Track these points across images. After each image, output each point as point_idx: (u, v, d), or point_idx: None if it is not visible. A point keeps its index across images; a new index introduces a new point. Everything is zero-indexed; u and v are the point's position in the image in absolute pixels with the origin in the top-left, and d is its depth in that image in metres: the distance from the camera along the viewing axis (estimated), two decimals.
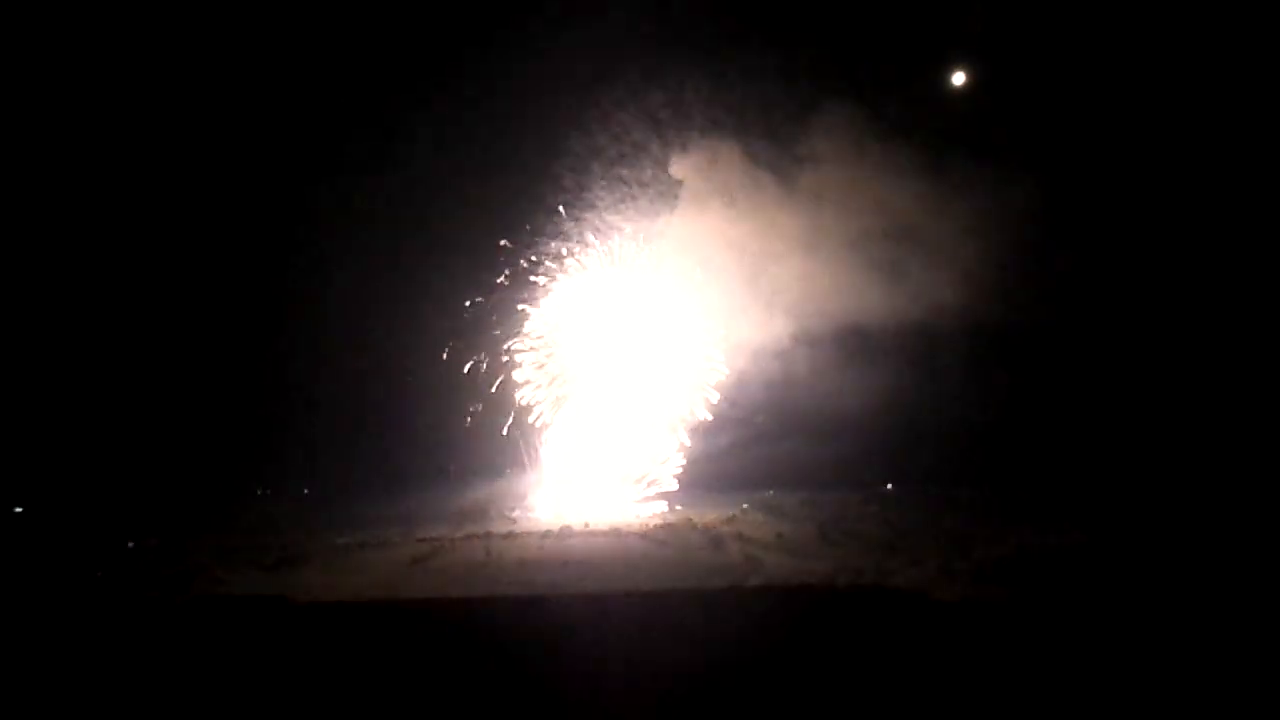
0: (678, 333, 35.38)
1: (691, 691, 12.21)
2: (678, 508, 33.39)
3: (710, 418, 34.54)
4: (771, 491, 34.58)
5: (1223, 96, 31.76)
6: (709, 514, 31.22)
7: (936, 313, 33.20)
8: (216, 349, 37.29)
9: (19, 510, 33.76)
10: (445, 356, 35.02)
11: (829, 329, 34.15)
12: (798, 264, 34.58)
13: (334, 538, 28.56)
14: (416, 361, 36.09)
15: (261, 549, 27.01)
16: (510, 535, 28.92)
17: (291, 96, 36.85)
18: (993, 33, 33.78)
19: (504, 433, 35.01)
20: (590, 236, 35.36)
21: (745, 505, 32.27)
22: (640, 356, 35.45)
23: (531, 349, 35.23)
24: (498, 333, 35.13)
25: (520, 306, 35.32)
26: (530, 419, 35.02)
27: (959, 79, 35.02)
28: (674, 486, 34.63)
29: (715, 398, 34.51)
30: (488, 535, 28.79)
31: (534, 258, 35.35)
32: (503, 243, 35.39)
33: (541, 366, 35.22)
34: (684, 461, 34.80)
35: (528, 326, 35.33)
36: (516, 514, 33.39)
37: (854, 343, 34.27)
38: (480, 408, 34.95)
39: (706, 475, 34.73)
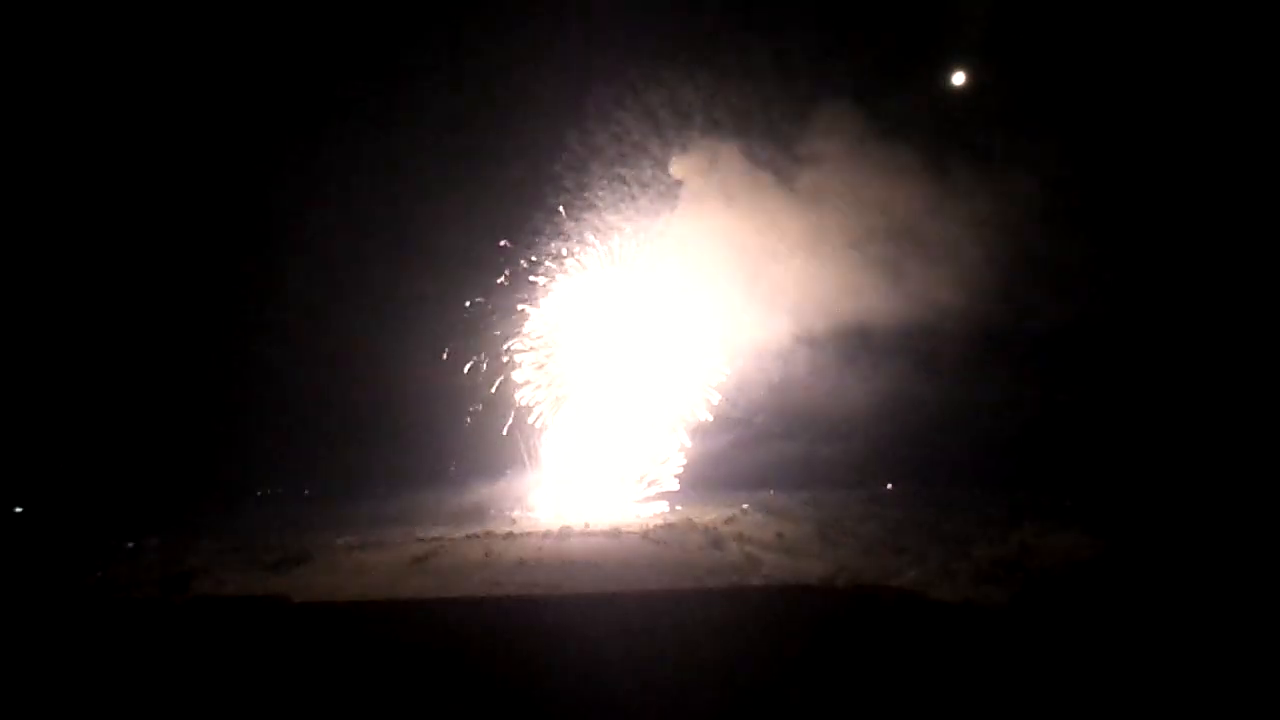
0: (678, 333, 35.39)
1: (691, 691, 12.20)
2: (678, 508, 33.39)
3: (710, 418, 34.60)
4: (771, 491, 34.59)
5: (1224, 96, 31.76)
6: (709, 514, 31.21)
7: (937, 313, 33.24)
8: (216, 349, 37.33)
9: (19, 510, 33.76)
10: (445, 357, 35.09)
11: (829, 329, 34.24)
12: (798, 264, 34.65)
13: (334, 538, 28.54)
14: (416, 362, 36.14)
15: (261, 549, 26.99)
16: (510, 535, 28.90)
17: (292, 97, 36.93)
18: (992, 33, 33.82)
19: (504, 433, 35.09)
20: (590, 236, 35.43)
21: (745, 505, 32.26)
22: (640, 357, 35.47)
23: (531, 349, 35.30)
24: (498, 333, 35.22)
25: (520, 307, 35.40)
26: (530, 419, 35.09)
27: (959, 79, 35.06)
28: (674, 486, 34.66)
29: (715, 398, 34.57)
30: (488, 535, 28.78)
31: (534, 258, 35.44)
32: (503, 243, 35.45)
33: (541, 367, 35.29)
34: (684, 462, 34.84)
35: (528, 327, 35.42)
36: (516, 514, 33.38)
37: (854, 343, 34.37)
38: (480, 408, 35.05)
39: (706, 475, 34.80)
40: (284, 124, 36.86)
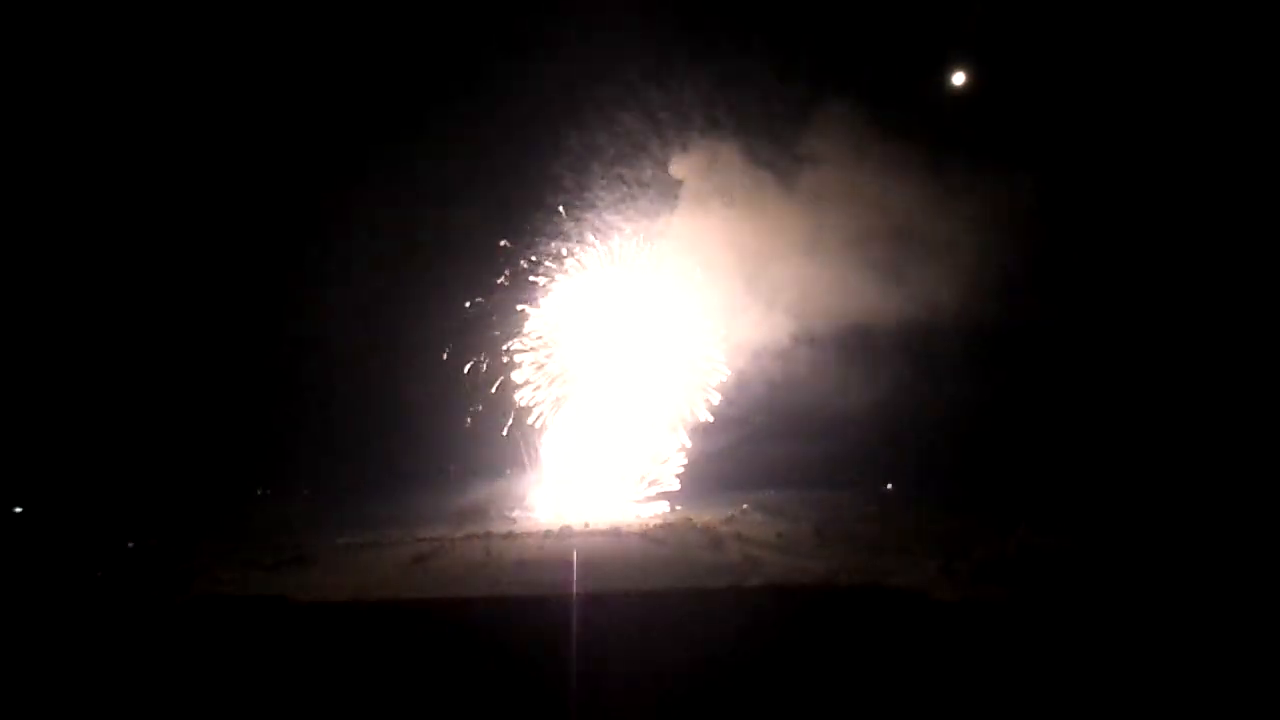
0: (678, 333, 35.38)
1: (691, 691, 12.21)
2: (677, 508, 33.39)
3: (710, 418, 34.57)
4: (771, 491, 34.59)
5: (1222, 96, 31.77)
6: (709, 514, 31.22)
7: (936, 313, 33.20)
8: (217, 349, 37.30)
9: (19, 510, 33.76)
10: (445, 357, 35.04)
11: (829, 329, 34.20)
12: (798, 264, 34.61)
13: (334, 538, 28.56)
14: (417, 362, 36.12)
15: (262, 549, 27.03)
16: (510, 535, 28.92)
17: (294, 99, 36.89)
18: (992, 33, 33.81)
19: (504, 433, 35.05)
20: (590, 236, 35.40)
21: (745, 505, 32.26)
22: (640, 357, 35.46)
23: (531, 349, 35.26)
24: (498, 333, 35.18)
25: (520, 307, 35.35)
26: (530, 419, 35.06)
27: (959, 79, 35.04)
28: (675, 486, 34.64)
29: (715, 398, 34.55)
30: (488, 535, 28.80)
31: (534, 258, 35.40)
32: (503, 243, 35.43)
33: (541, 367, 35.25)
34: (684, 461, 34.82)
35: (528, 327, 35.37)
36: (516, 514, 33.39)
37: (854, 343, 34.30)
38: (480, 408, 34.99)
39: (706, 475, 34.74)
40: (284, 126, 36.85)
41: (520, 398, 34.95)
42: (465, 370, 34.94)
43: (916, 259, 33.81)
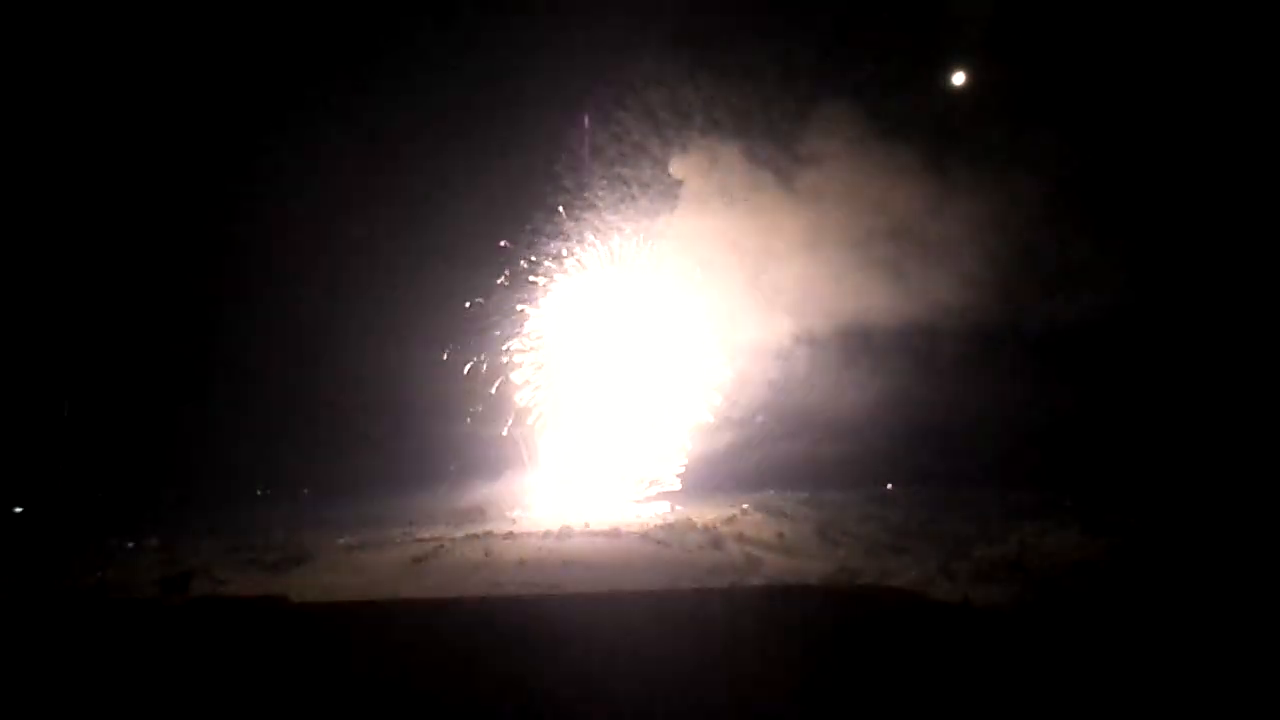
0: (678, 333, 35.39)
1: (692, 691, 12.20)
2: (678, 508, 33.39)
3: (711, 418, 34.58)
4: (771, 491, 34.62)
5: (1223, 95, 31.77)
6: (709, 514, 31.22)
7: (937, 312, 33.24)
8: (216, 349, 37.33)
9: (19, 510, 33.78)
10: (445, 357, 35.05)
11: (829, 329, 34.25)
12: (798, 264, 34.64)
13: (334, 538, 28.55)
14: (417, 362, 36.14)
15: (261, 549, 27.03)
16: (510, 535, 28.91)
17: (293, 96, 36.92)
18: (993, 32, 33.83)
19: (504, 433, 35.07)
20: (590, 236, 35.42)
21: (745, 505, 32.27)
22: (640, 357, 35.47)
23: (531, 349, 35.27)
24: (498, 333, 35.20)
25: (520, 307, 35.37)
26: (530, 419, 35.08)
27: (959, 79, 35.07)
28: (676, 486, 34.64)
29: (716, 398, 34.55)
30: (488, 535, 28.79)
31: (534, 258, 35.43)
32: (503, 243, 35.44)
33: (541, 367, 35.29)
34: (685, 461, 34.83)
35: (528, 327, 35.39)
36: (516, 514, 33.39)
37: (854, 343, 34.35)
38: (480, 408, 35.02)
39: (707, 475, 34.77)
40: (285, 125, 36.89)
41: (520, 398, 35.01)
42: (465, 370, 34.99)
43: (916, 259, 33.89)
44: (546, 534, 28.94)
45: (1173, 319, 32.61)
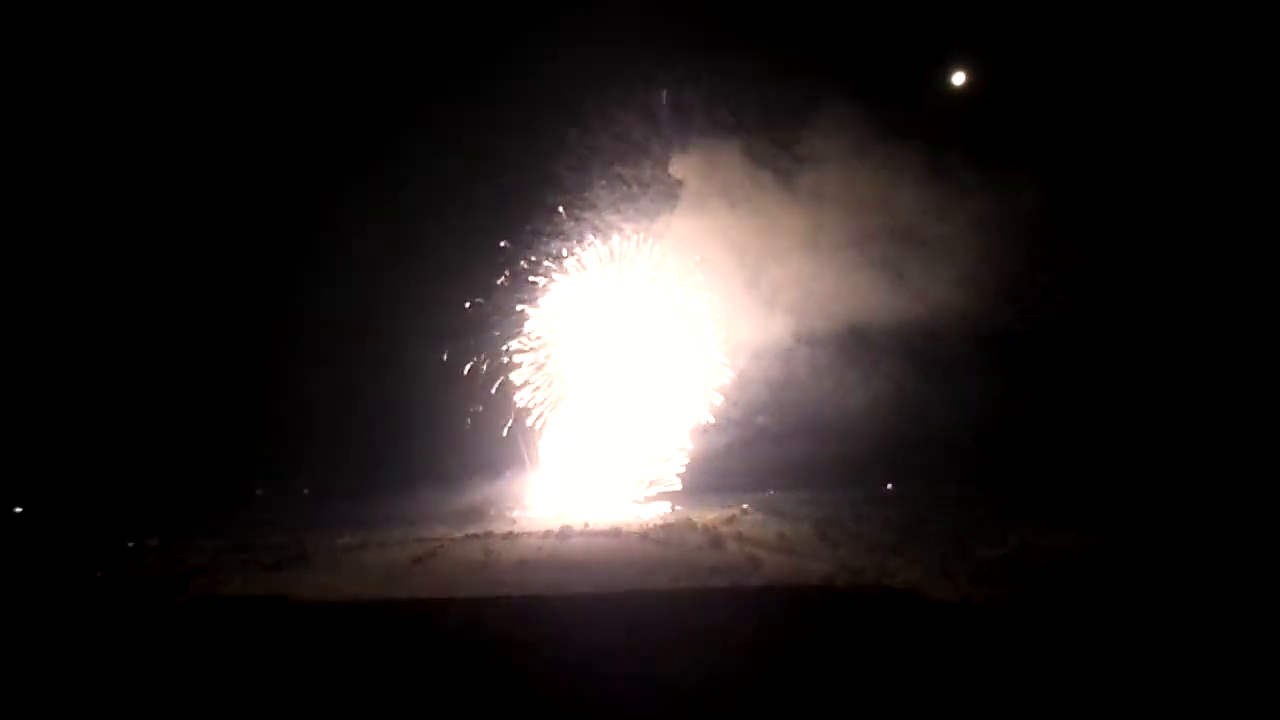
0: (678, 333, 35.39)
1: (692, 692, 12.21)
2: (678, 508, 33.37)
3: (711, 418, 34.57)
4: (771, 491, 34.58)
5: (1224, 96, 31.77)
6: (709, 514, 31.20)
7: (937, 313, 33.23)
8: (216, 348, 37.30)
9: (19, 510, 33.77)
10: (445, 357, 35.02)
11: (830, 329, 34.20)
12: (798, 264, 34.60)
13: (334, 538, 28.54)
14: (416, 362, 36.11)
15: (261, 549, 26.99)
16: (510, 535, 28.89)
17: (291, 95, 36.88)
18: (992, 33, 33.82)
19: (504, 433, 35.04)
20: (590, 236, 35.39)
21: (745, 505, 32.25)
22: (641, 357, 35.46)
23: (531, 349, 35.25)
24: (498, 333, 35.16)
25: (520, 307, 35.34)
26: (530, 419, 35.05)
27: (959, 79, 35.07)
28: (677, 486, 34.64)
29: (716, 398, 34.54)
30: (488, 535, 28.77)
31: (534, 258, 35.38)
32: (503, 243, 35.42)
33: (541, 367, 35.26)
34: (685, 462, 34.82)
35: (528, 327, 35.36)
36: (516, 514, 33.37)
37: (855, 343, 34.31)
38: (480, 409, 34.98)
39: (707, 475, 34.73)
40: (283, 122, 36.83)
41: (520, 398, 34.98)
42: (465, 370, 34.97)
43: (917, 259, 33.85)
44: (546, 534, 28.91)
45: (1173, 319, 32.62)
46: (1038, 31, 33.06)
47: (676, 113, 34.89)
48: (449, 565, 25.10)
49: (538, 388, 35.03)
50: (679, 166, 35.13)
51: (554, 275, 35.48)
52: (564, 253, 35.39)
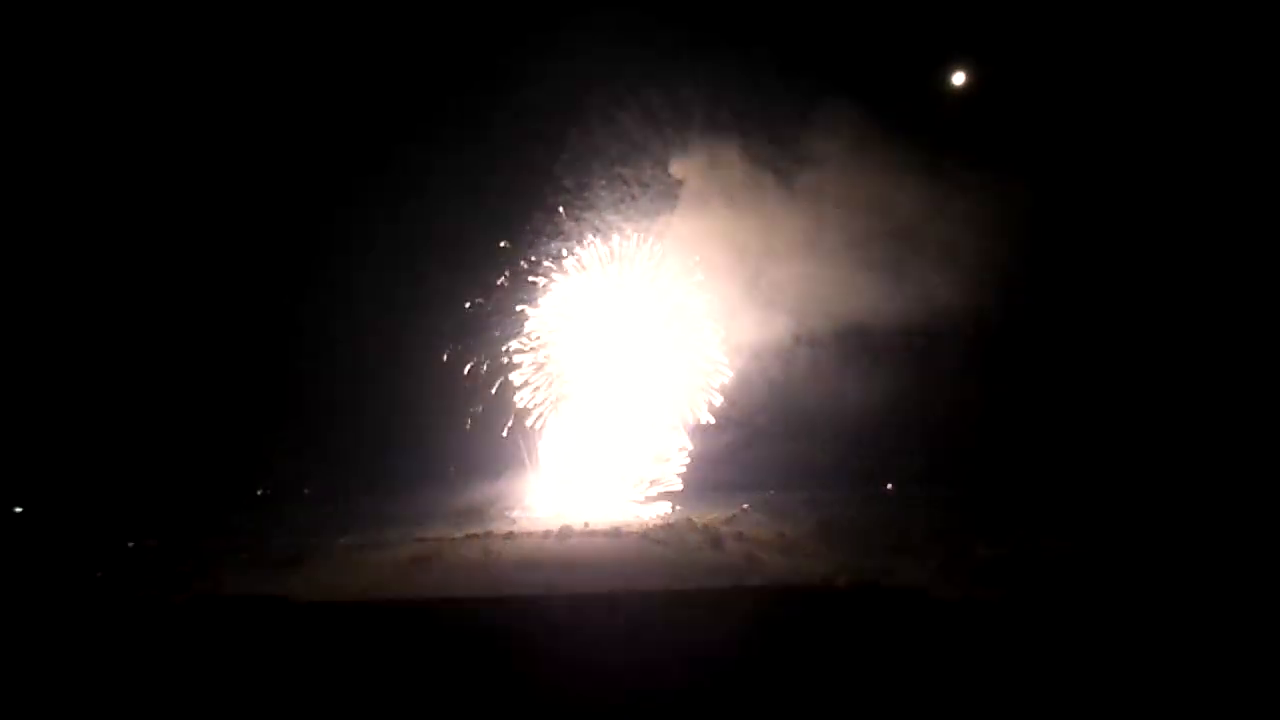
0: (678, 333, 35.38)
1: (692, 692, 12.20)
2: (678, 508, 33.36)
3: (711, 418, 34.56)
4: (772, 491, 34.55)
5: (1223, 97, 31.78)
6: (709, 514, 31.21)
7: (937, 313, 33.21)
8: (216, 349, 37.30)
9: (19, 510, 33.76)
10: (445, 358, 35.01)
11: (830, 329, 34.19)
12: (798, 264, 34.58)
13: (334, 538, 28.55)
14: (416, 362, 36.11)
15: (261, 549, 27.01)
16: (510, 535, 28.90)
17: (290, 98, 36.88)
18: (992, 33, 33.82)
19: (504, 433, 35.03)
20: (590, 236, 35.38)
21: (745, 505, 32.25)
22: (641, 357, 35.45)
23: (531, 349, 35.23)
24: (497, 334, 35.13)
25: (520, 307, 35.32)
26: (530, 420, 35.04)
27: (959, 79, 35.06)
28: (678, 486, 34.63)
29: (716, 398, 34.53)
30: (488, 535, 28.78)
31: (534, 258, 35.35)
32: (503, 243, 35.41)
33: (541, 367, 35.23)
34: (685, 462, 34.80)
35: (527, 327, 35.33)
36: (516, 514, 33.37)
37: (855, 343, 34.30)
38: (480, 409, 34.95)
39: (707, 476, 34.71)
40: (283, 125, 36.85)
41: (520, 398, 34.95)
42: (465, 371, 34.95)
43: (917, 259, 33.82)
44: (546, 534, 28.92)
45: (1172, 320, 32.62)
46: (1037, 32, 33.08)
47: (676, 113, 34.87)
48: (449, 565, 25.11)
49: (538, 388, 35.02)
50: (679, 166, 35.13)
51: (554, 275, 35.48)
52: (564, 253, 35.37)
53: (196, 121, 36.60)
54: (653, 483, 34.75)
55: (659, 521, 31.15)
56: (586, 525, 30.30)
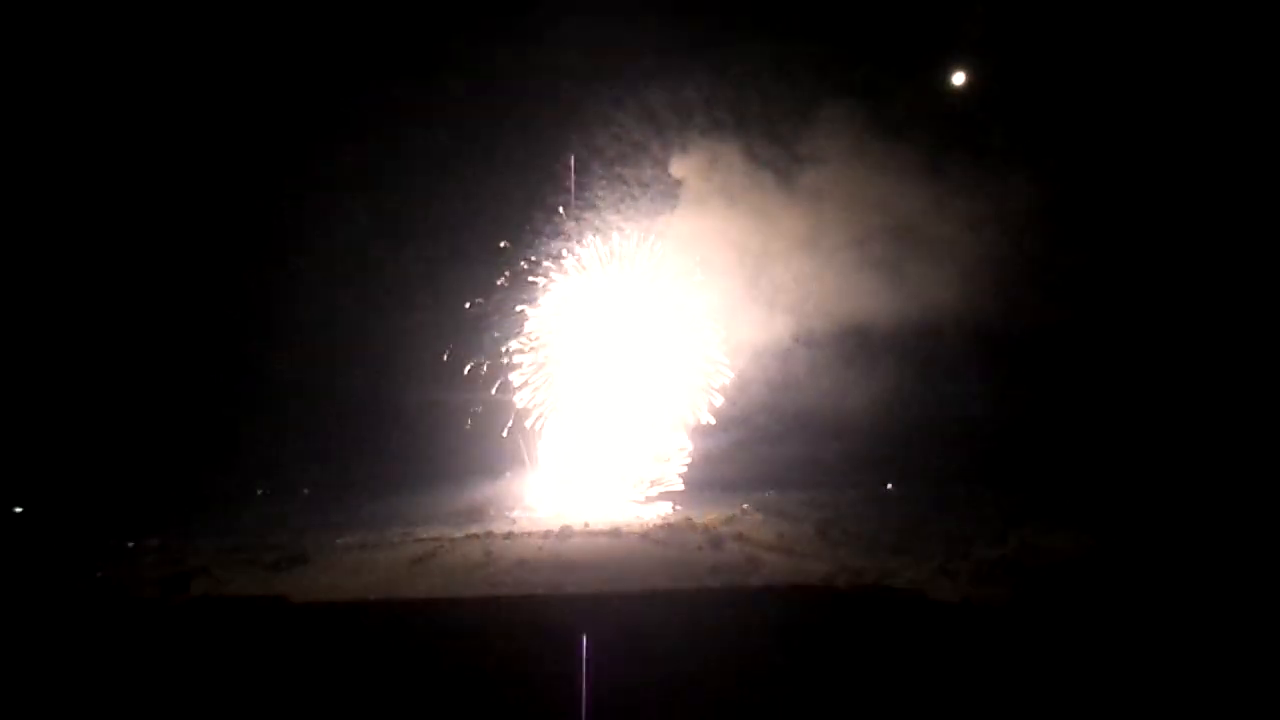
0: (678, 333, 35.39)
1: (692, 691, 12.21)
2: (678, 508, 33.38)
3: (711, 418, 34.57)
4: (771, 491, 34.57)
5: (1222, 96, 31.77)
6: (709, 514, 31.22)
7: (937, 312, 33.24)
8: (217, 349, 37.30)
9: (19, 510, 33.75)
10: (445, 358, 35.02)
11: (829, 329, 34.24)
12: (798, 264, 34.64)
13: (334, 538, 28.56)
14: (417, 363, 36.11)
15: (261, 549, 27.01)
16: (510, 535, 28.91)
17: (292, 95, 36.86)
18: (993, 32, 33.84)
19: (504, 433, 35.04)
20: (590, 236, 35.40)
21: (745, 505, 32.25)
22: (641, 357, 35.46)
23: (531, 350, 35.23)
24: (497, 334, 35.15)
25: (520, 308, 35.33)
26: (530, 420, 35.04)
27: (959, 79, 35.07)
28: (679, 486, 34.64)
29: (716, 398, 34.54)
30: (488, 535, 28.79)
31: (534, 258, 35.37)
32: (503, 243, 35.42)
33: (541, 367, 35.24)
34: (685, 462, 34.81)
35: (528, 327, 35.34)
36: (516, 514, 33.37)
37: (854, 343, 34.34)
38: (480, 409, 34.97)
39: (707, 476, 34.73)
40: (284, 124, 36.84)
41: (520, 398, 34.97)
42: (465, 371, 34.97)
43: (916, 259, 33.87)
44: (546, 534, 28.94)
45: (1172, 320, 32.62)
46: (1037, 32, 33.09)
47: (676, 113, 34.90)
48: (449, 565, 25.14)
49: (538, 388, 35.04)
50: (679, 166, 35.17)
51: (554, 275, 35.49)
52: (564, 253, 35.40)
53: (198, 123, 36.60)
54: (653, 483, 34.77)
55: (659, 521, 31.15)
56: (586, 525, 30.31)
